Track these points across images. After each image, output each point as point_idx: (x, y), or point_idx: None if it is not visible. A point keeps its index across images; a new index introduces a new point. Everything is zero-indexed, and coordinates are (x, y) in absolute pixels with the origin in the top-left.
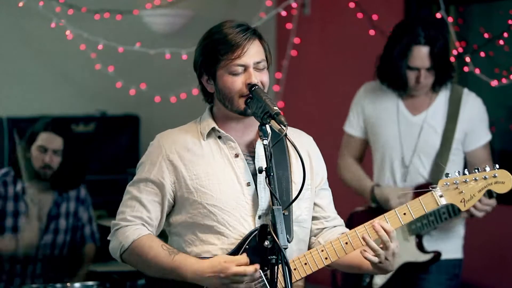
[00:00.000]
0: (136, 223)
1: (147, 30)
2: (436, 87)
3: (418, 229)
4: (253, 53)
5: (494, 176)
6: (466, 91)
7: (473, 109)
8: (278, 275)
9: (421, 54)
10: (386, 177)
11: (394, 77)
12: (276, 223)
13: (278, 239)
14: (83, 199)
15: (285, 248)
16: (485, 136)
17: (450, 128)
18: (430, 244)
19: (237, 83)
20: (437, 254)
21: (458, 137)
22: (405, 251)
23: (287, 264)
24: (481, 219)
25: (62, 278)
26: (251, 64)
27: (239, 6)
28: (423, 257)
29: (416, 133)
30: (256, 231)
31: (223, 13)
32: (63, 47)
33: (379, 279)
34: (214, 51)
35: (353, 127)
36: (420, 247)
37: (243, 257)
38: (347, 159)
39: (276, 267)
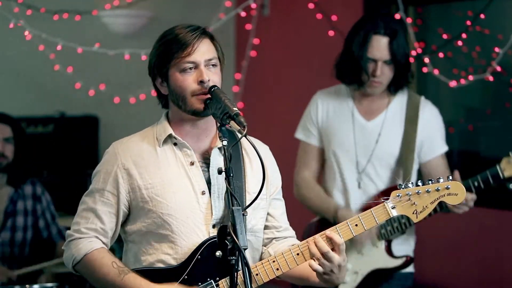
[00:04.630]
0: (90, 235)
1: (106, 31)
2: (392, 88)
3: (388, 234)
4: (203, 51)
5: (447, 188)
6: (423, 98)
7: (431, 117)
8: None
9: (380, 44)
10: (338, 185)
11: (351, 69)
12: (236, 223)
13: (238, 240)
14: (39, 197)
15: (245, 249)
16: (442, 146)
17: (411, 132)
18: (397, 248)
19: (188, 81)
20: (409, 259)
21: (417, 144)
22: (375, 258)
23: (246, 264)
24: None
25: (24, 278)
26: (202, 62)
27: (198, 7)
28: (393, 263)
29: (371, 139)
30: (209, 241)
31: (182, 13)
32: (22, 47)
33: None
34: (165, 52)
35: (312, 136)
36: (390, 252)
37: None
38: (305, 174)
39: (235, 268)
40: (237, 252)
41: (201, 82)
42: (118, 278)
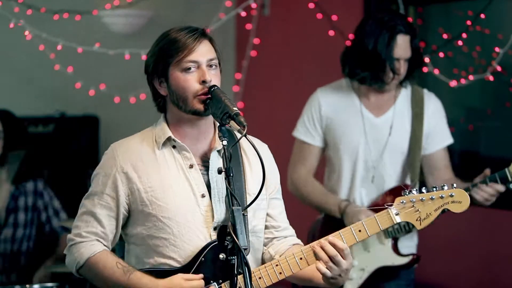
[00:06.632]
0: (91, 239)
1: (106, 31)
2: (404, 81)
3: (395, 232)
4: (204, 51)
5: (451, 196)
6: (426, 91)
7: (436, 109)
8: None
9: (404, 44)
10: (347, 182)
11: (374, 69)
12: (236, 223)
13: (238, 240)
14: (41, 192)
15: (245, 249)
16: (448, 138)
17: (418, 128)
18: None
19: (191, 81)
20: (416, 257)
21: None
22: (381, 255)
23: (246, 264)
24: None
25: (25, 274)
26: (204, 62)
27: (198, 7)
28: (400, 260)
29: (381, 135)
30: (213, 244)
31: (183, 13)
32: (22, 47)
33: (350, 285)
34: (165, 53)
35: (311, 135)
36: (396, 250)
37: (198, 280)
38: (301, 171)
39: (235, 268)
40: (236, 251)
41: (203, 82)
42: (123, 277)
